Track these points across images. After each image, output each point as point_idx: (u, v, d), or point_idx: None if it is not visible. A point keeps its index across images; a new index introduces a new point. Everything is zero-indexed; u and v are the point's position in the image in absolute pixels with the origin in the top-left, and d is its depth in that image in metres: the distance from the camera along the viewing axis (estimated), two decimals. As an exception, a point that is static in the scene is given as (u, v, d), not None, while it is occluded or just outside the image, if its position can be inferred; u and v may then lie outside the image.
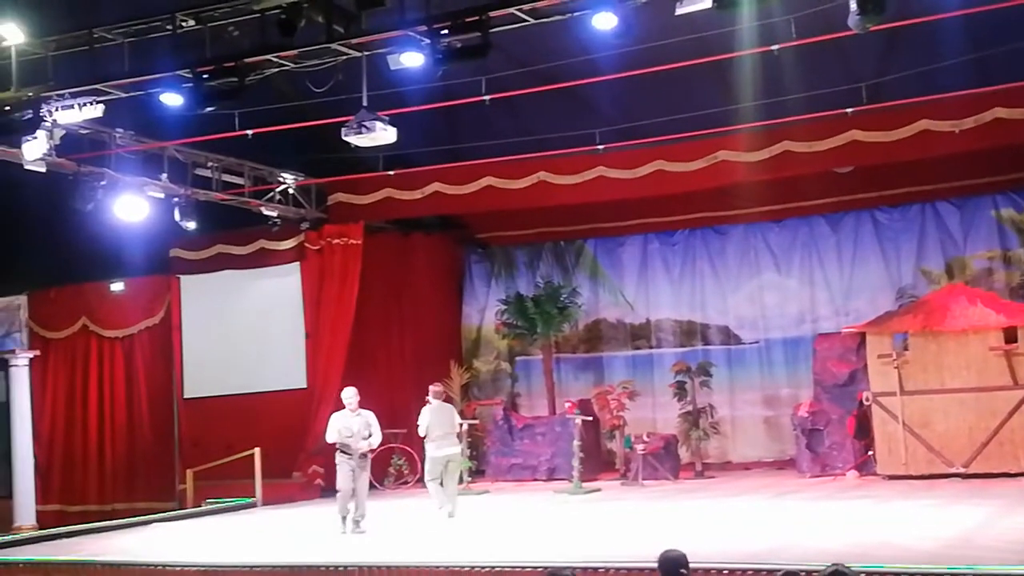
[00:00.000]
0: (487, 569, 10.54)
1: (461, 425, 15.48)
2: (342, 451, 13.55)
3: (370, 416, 13.79)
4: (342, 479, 13.59)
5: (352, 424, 13.60)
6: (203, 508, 18.34)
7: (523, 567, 10.35)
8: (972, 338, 16.13)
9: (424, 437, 14.38)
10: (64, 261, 20.81)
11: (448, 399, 15.75)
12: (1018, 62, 14.64)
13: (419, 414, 14.50)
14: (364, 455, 13.68)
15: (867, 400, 16.73)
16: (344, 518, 13.56)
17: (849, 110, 15.87)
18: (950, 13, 12.97)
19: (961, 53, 14.84)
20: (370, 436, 13.71)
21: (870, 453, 16.96)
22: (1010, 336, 15.98)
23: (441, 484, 14.24)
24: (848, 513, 13.17)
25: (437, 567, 10.89)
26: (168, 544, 14.13)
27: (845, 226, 20.12)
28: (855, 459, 17.29)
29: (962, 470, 15.97)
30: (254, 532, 15.09)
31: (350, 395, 13.88)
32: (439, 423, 14.35)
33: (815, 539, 11.09)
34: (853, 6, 10.56)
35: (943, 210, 19.42)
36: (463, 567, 10.70)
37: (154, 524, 16.68)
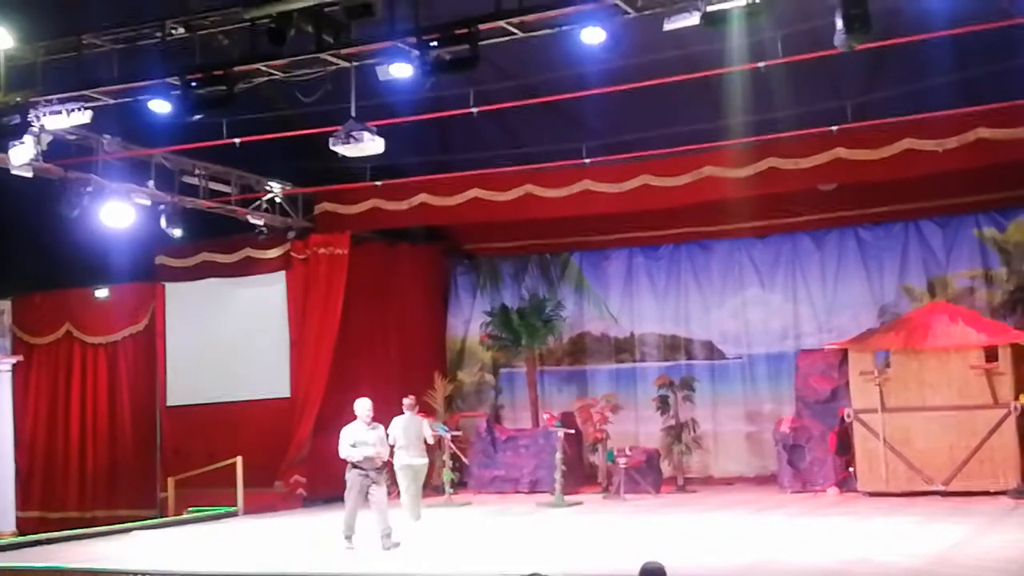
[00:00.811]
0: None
1: (429, 438, 15.58)
2: (356, 466, 12.83)
3: (382, 430, 13.26)
4: (354, 496, 12.85)
5: (368, 437, 12.91)
6: (185, 516, 18.26)
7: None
8: (953, 356, 16.23)
9: (392, 446, 14.53)
10: (49, 267, 20.75)
11: (421, 411, 16.13)
12: (1002, 83, 14.78)
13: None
14: (380, 469, 12.98)
15: (848, 417, 16.80)
16: (349, 537, 12.86)
17: (834, 128, 16.01)
18: (936, 33, 13.08)
19: (946, 73, 14.98)
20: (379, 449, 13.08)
21: (851, 470, 17.02)
22: (991, 355, 16.08)
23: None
24: (828, 529, 13.21)
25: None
26: (149, 552, 14.08)
27: (829, 243, 20.23)
28: (836, 475, 17.35)
29: (942, 488, 16.04)
30: (235, 541, 15.04)
31: (366, 407, 13.18)
32: (405, 434, 14.94)
33: (795, 555, 11.13)
34: (839, 25, 10.64)
35: (926, 229, 19.55)
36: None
37: (135, 532, 16.60)
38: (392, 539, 12.70)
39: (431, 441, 15.93)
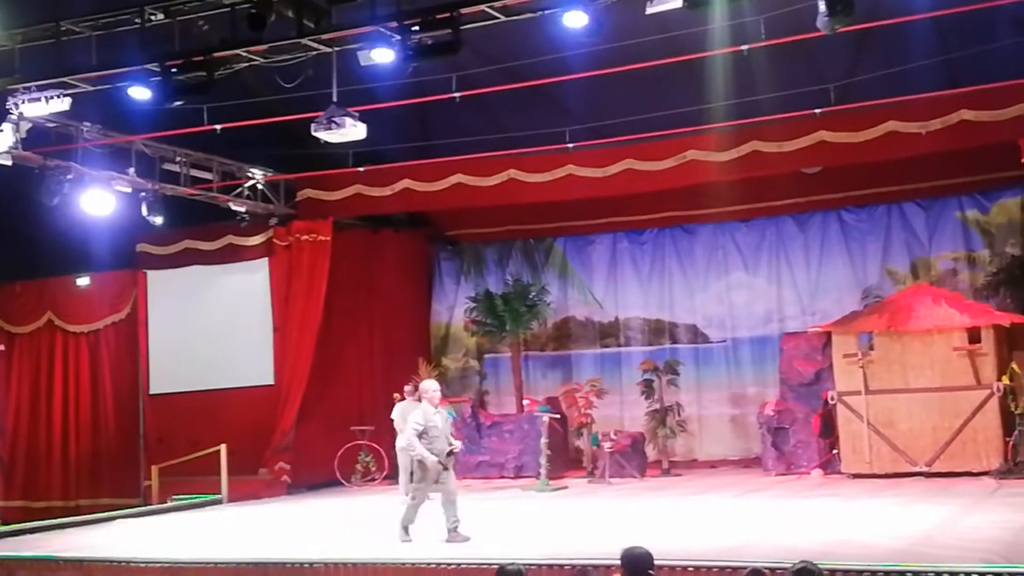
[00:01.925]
0: (452, 566, 10.56)
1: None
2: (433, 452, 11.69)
3: (445, 412, 12.23)
4: (424, 485, 11.87)
5: (438, 421, 11.86)
6: (168, 505, 18.23)
7: (488, 563, 10.34)
8: (936, 338, 16.27)
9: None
10: (29, 255, 20.64)
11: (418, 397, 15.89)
12: (985, 65, 14.79)
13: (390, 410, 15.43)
14: (451, 454, 11.96)
15: (832, 399, 16.84)
16: (407, 528, 11.92)
17: (817, 111, 15.99)
18: (918, 15, 13.10)
19: (928, 55, 14.99)
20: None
21: (835, 452, 17.08)
22: (973, 336, 16.13)
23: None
24: (813, 511, 13.25)
25: (403, 564, 10.89)
26: (133, 541, 14.02)
27: (812, 226, 20.26)
28: (820, 458, 17.41)
29: (925, 469, 16.11)
30: (220, 529, 15.02)
31: (435, 388, 12.17)
32: (403, 418, 14.84)
33: (780, 537, 11.15)
34: (822, 7, 10.64)
35: (909, 211, 19.59)
36: (428, 563, 10.72)
37: (119, 520, 16.56)
38: (461, 533, 11.69)
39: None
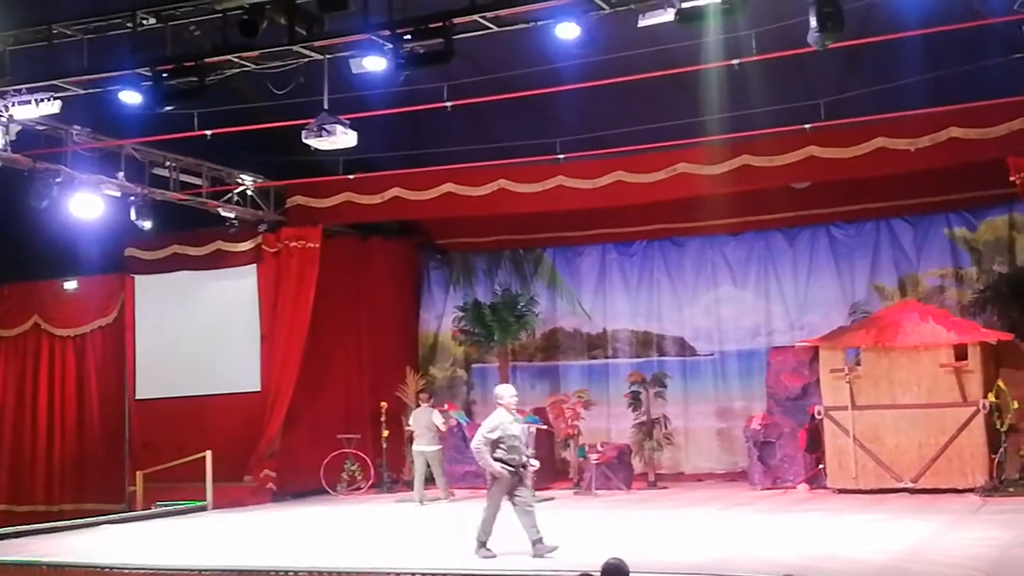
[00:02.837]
0: (437, 576, 10.54)
1: (440, 426, 17.87)
2: (505, 464, 11.13)
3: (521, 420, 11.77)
4: (497, 497, 11.24)
5: (516, 430, 11.32)
6: (153, 511, 18.14)
7: (472, 574, 10.34)
8: (923, 355, 16.31)
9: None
10: (17, 258, 20.54)
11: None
12: (974, 82, 14.85)
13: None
14: (527, 465, 11.41)
15: (819, 414, 16.86)
16: (485, 542, 11.24)
17: (807, 126, 16.05)
18: (908, 33, 13.14)
19: (918, 72, 15.05)
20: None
21: (821, 467, 17.09)
22: (960, 353, 16.17)
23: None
24: (798, 526, 13.27)
25: (387, 573, 10.85)
26: (117, 546, 13.97)
27: (801, 241, 20.31)
28: (806, 472, 17.42)
29: (911, 485, 16.13)
30: (204, 535, 14.96)
31: (511, 393, 11.66)
32: (418, 424, 17.68)
33: (765, 551, 11.15)
34: (813, 23, 10.67)
35: (897, 227, 19.65)
36: (413, 573, 10.68)
37: (103, 526, 16.49)
38: (547, 544, 11.05)
39: (443, 429, 17.96)
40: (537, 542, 11.01)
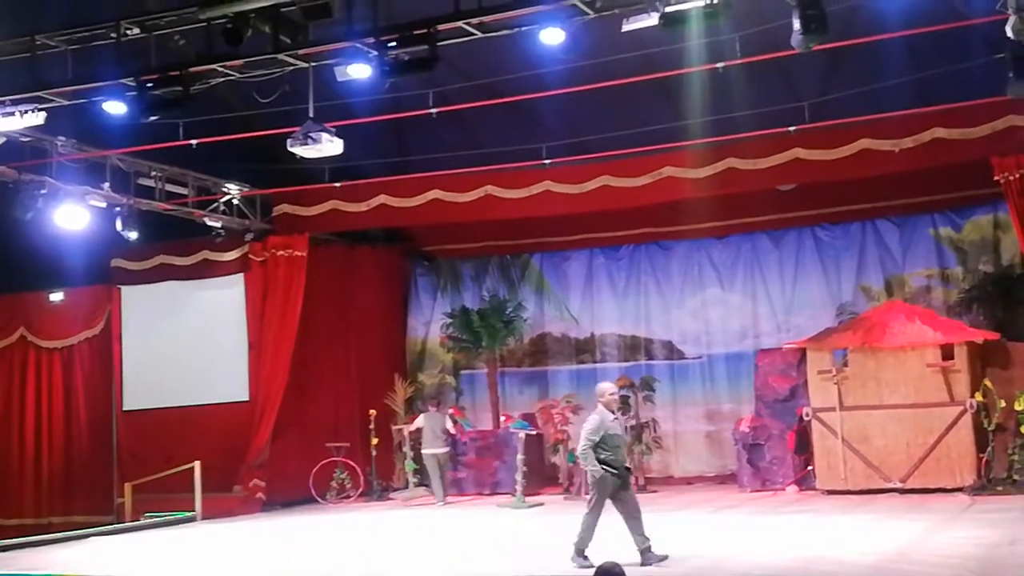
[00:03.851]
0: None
1: (451, 429, 18.83)
2: (608, 466, 10.53)
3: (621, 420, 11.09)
4: (599, 502, 10.58)
5: (618, 428, 10.78)
6: (142, 522, 18.07)
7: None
8: (910, 355, 16.36)
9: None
10: (2, 270, 20.53)
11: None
12: (957, 83, 14.92)
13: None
14: (630, 468, 10.97)
15: (807, 415, 16.90)
16: (583, 551, 10.51)
17: (792, 128, 16.09)
18: (891, 34, 13.20)
19: (901, 74, 15.13)
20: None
21: (810, 468, 17.12)
22: (947, 353, 16.23)
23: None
24: (787, 527, 13.28)
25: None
26: (106, 558, 13.93)
27: (787, 243, 20.36)
28: (795, 474, 17.46)
29: (899, 485, 16.17)
30: (194, 546, 14.92)
31: (612, 390, 11.03)
32: (429, 427, 18.38)
33: (754, 553, 11.17)
34: (796, 25, 10.71)
35: (883, 228, 19.71)
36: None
37: (93, 538, 16.42)
38: (655, 553, 10.46)
39: (452, 432, 18.87)
40: (645, 551, 10.44)
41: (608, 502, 10.59)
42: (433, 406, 19.07)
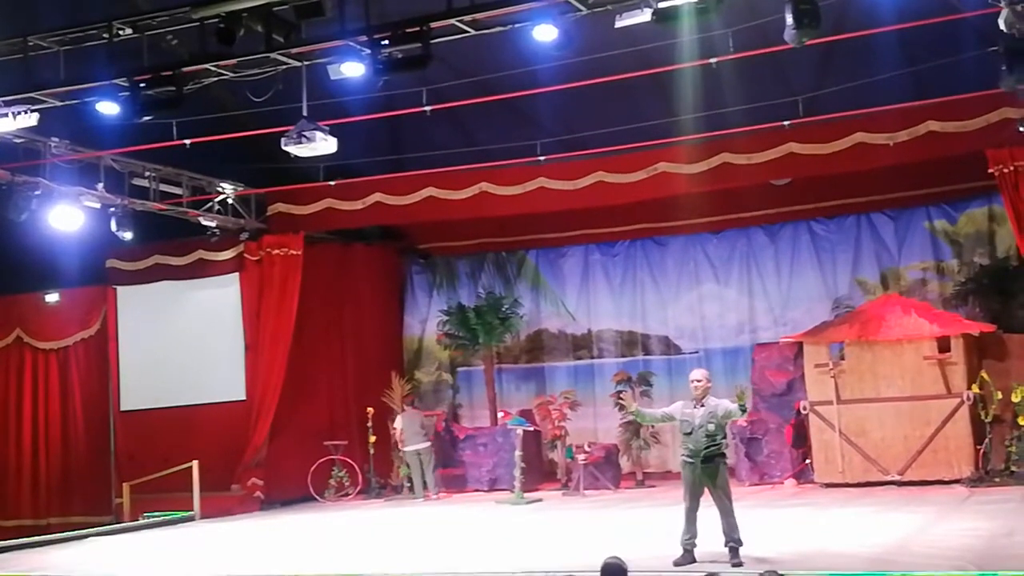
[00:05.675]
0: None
1: (424, 424, 19.03)
2: (683, 453, 10.48)
3: (720, 405, 10.43)
4: (684, 492, 10.54)
5: (694, 417, 10.35)
6: (141, 522, 18.07)
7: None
8: (907, 347, 16.38)
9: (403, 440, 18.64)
10: (-3, 271, 20.45)
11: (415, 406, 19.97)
12: (951, 76, 14.92)
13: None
14: (711, 458, 10.36)
15: (804, 409, 16.92)
16: (688, 549, 10.36)
17: (786, 123, 16.08)
18: (884, 28, 13.20)
19: (895, 67, 15.13)
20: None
21: (808, 461, 17.14)
22: (943, 346, 16.24)
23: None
24: (786, 520, 13.31)
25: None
26: (105, 559, 13.93)
27: (783, 237, 20.35)
28: (793, 467, 17.48)
29: (897, 478, 16.19)
30: (193, 546, 14.92)
31: (696, 377, 10.66)
32: (408, 426, 18.66)
33: (753, 547, 11.15)
34: (789, 20, 10.71)
35: (878, 222, 19.72)
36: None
37: (91, 538, 16.42)
38: (739, 556, 10.18)
39: (429, 424, 19.13)
40: (732, 549, 10.24)
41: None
42: (408, 404, 19.37)
